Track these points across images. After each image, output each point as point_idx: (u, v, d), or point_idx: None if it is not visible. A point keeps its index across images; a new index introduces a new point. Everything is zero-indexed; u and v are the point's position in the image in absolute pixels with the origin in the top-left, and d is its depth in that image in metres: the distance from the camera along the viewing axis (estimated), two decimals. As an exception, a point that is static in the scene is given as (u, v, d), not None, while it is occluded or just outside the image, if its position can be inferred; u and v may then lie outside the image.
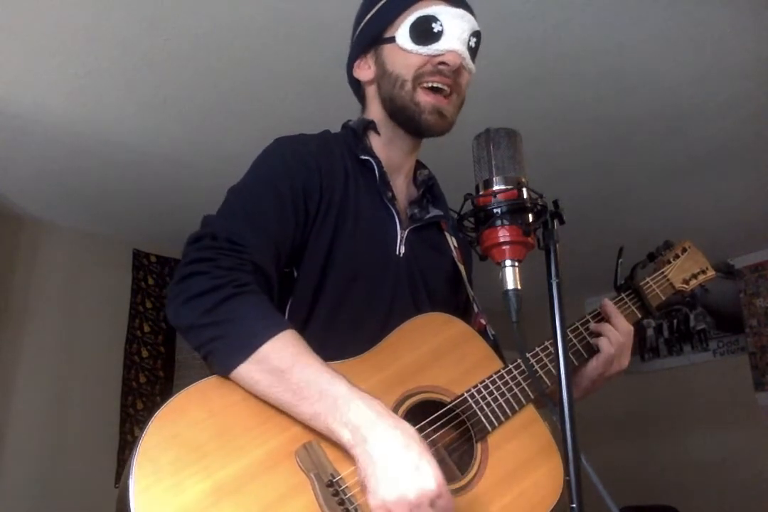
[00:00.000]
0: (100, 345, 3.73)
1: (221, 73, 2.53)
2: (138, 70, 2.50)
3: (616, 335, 1.20)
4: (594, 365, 1.20)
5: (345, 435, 0.91)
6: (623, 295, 1.29)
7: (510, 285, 0.91)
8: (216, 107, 2.74)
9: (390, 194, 1.24)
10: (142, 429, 0.90)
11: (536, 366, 1.16)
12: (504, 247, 0.92)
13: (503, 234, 0.92)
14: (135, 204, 3.56)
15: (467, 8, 1.24)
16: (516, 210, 0.93)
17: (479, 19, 1.24)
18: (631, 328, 1.22)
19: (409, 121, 1.21)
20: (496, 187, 0.94)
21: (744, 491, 3.97)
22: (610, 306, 1.25)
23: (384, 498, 0.86)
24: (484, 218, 0.94)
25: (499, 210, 0.92)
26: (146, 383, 3.86)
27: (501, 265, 0.92)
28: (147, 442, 0.89)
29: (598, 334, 1.22)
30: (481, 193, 0.95)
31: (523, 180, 0.94)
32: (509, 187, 0.93)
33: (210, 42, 2.37)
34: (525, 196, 0.94)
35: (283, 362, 0.94)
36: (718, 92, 2.69)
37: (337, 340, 1.10)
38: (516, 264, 0.92)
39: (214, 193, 1.20)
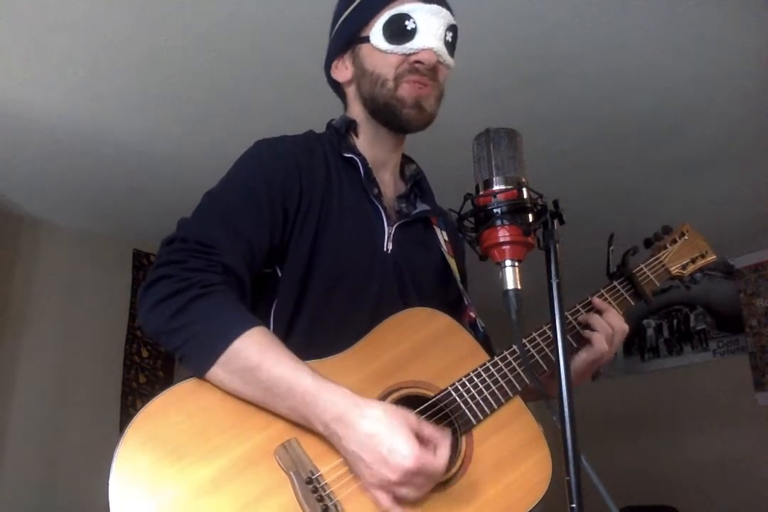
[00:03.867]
0: (100, 345, 3.73)
1: (221, 73, 2.53)
2: (138, 70, 2.50)
3: (610, 333, 1.18)
4: (584, 357, 1.18)
5: (319, 429, 0.95)
6: (615, 283, 1.27)
7: (510, 285, 0.90)
8: (216, 107, 2.74)
9: (376, 191, 1.23)
10: (121, 433, 0.91)
11: (533, 351, 1.15)
12: (504, 247, 0.92)
13: (503, 234, 0.92)
14: (135, 204, 3.56)
15: (442, 3, 1.23)
16: (516, 210, 0.92)
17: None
18: (626, 328, 1.19)
19: (390, 117, 1.21)
20: (496, 187, 0.94)
21: (744, 491, 3.96)
22: (602, 303, 1.23)
23: (372, 483, 0.92)
24: (484, 218, 0.94)
25: (499, 210, 0.92)
26: (146, 383, 3.86)
27: (501, 265, 0.92)
28: (126, 445, 0.91)
29: (588, 325, 1.20)
30: (481, 193, 0.95)
31: (523, 180, 0.94)
32: (509, 187, 0.93)
33: (210, 42, 2.37)
34: (525, 195, 0.93)
35: (250, 361, 0.95)
36: (718, 92, 2.69)
37: (324, 339, 1.10)
38: (516, 264, 0.92)
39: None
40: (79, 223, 3.76)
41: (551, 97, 2.72)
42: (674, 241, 1.37)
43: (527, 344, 1.16)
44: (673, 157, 3.18)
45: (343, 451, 0.94)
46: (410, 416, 0.95)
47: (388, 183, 1.30)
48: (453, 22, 1.23)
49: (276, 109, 2.72)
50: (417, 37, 1.18)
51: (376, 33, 1.19)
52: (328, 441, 0.96)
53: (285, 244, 1.13)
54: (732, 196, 3.53)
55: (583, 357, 1.18)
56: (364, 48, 1.22)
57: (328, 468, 0.95)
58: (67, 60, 2.42)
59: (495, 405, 1.09)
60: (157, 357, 3.95)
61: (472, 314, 1.25)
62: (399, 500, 0.93)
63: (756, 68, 2.54)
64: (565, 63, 2.51)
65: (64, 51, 2.38)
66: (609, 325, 1.18)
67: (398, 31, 1.18)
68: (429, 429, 0.95)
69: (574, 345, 1.20)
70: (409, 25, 1.18)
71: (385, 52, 1.19)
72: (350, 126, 1.27)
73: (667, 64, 2.52)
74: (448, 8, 1.24)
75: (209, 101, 2.70)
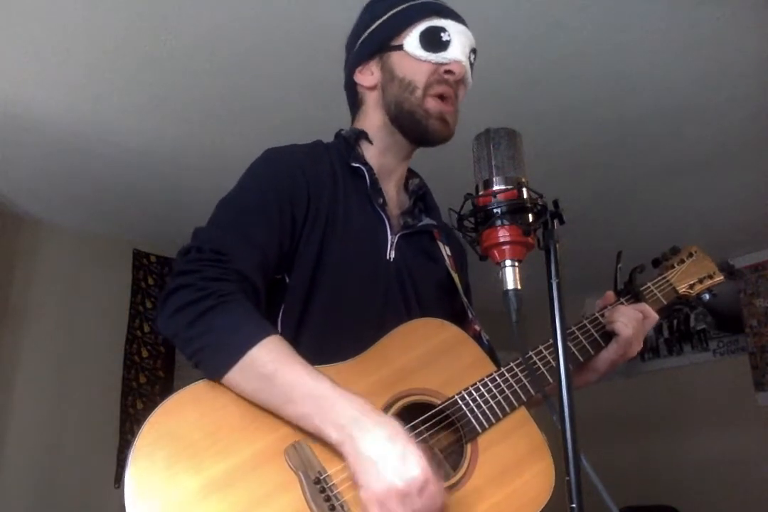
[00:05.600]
0: (100, 345, 3.73)
1: (221, 73, 2.53)
2: (138, 70, 2.50)
3: (629, 317, 1.20)
4: (615, 348, 1.21)
5: (332, 435, 0.94)
6: (623, 300, 1.28)
7: (510, 285, 0.90)
8: (216, 107, 2.74)
9: (381, 200, 1.25)
10: (138, 429, 0.95)
11: (539, 364, 1.16)
12: (504, 247, 0.92)
13: (503, 234, 0.92)
14: (135, 204, 3.56)
15: (467, 26, 1.30)
16: (516, 210, 0.92)
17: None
18: (639, 315, 1.22)
19: (415, 125, 1.24)
20: (496, 187, 0.94)
21: (744, 491, 3.97)
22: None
23: (374, 490, 0.90)
24: (484, 218, 0.94)
25: (499, 210, 0.92)
26: (146, 383, 3.86)
27: (501, 265, 0.92)
28: (142, 440, 0.94)
29: (613, 320, 1.22)
30: (481, 193, 0.95)
31: (523, 180, 0.94)
32: (509, 186, 0.93)
33: (210, 42, 2.37)
34: (525, 195, 0.93)
35: (266, 368, 0.97)
36: (718, 92, 2.69)
37: (330, 345, 1.11)
38: (516, 264, 0.92)
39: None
40: (79, 223, 3.76)
41: (551, 98, 2.72)
42: (682, 261, 1.39)
43: (533, 356, 1.17)
44: (674, 158, 3.18)
45: (353, 455, 0.92)
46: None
47: (392, 194, 1.32)
48: (475, 45, 1.29)
49: (276, 109, 2.72)
50: (450, 48, 1.23)
51: (411, 41, 1.24)
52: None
53: (293, 252, 1.16)
54: (732, 196, 3.53)
55: (614, 347, 1.21)
56: (394, 55, 1.26)
57: (336, 469, 0.96)
58: (67, 60, 2.43)
59: (500, 415, 1.10)
60: (157, 357, 3.95)
61: (477, 327, 1.26)
62: None
63: (756, 69, 2.54)
64: (565, 63, 2.51)
65: (64, 51, 2.38)
66: (639, 311, 1.21)
67: (434, 41, 1.23)
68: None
69: (602, 343, 1.22)
70: (445, 37, 1.24)
71: (418, 58, 1.23)
72: (360, 136, 1.29)
73: (667, 64, 2.52)
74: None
75: (209, 101, 2.70)
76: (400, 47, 1.25)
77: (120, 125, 2.85)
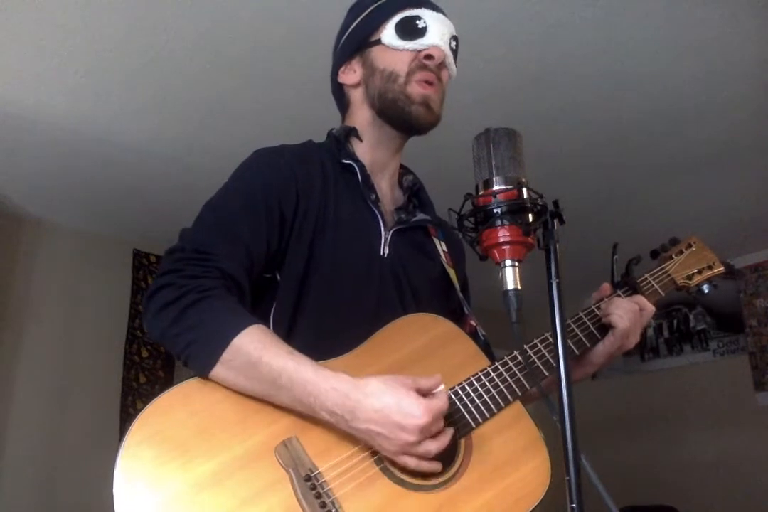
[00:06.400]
0: (100, 345, 3.73)
1: (221, 73, 2.53)
2: (138, 70, 2.50)
3: (625, 309, 1.19)
4: (611, 340, 1.20)
5: (325, 417, 0.98)
6: (619, 292, 1.28)
7: (510, 285, 0.90)
8: (216, 107, 2.74)
9: (374, 196, 1.25)
10: (121, 433, 0.94)
11: (534, 357, 1.16)
12: (504, 247, 0.92)
13: (503, 234, 0.92)
14: (135, 204, 3.56)
15: (445, 15, 1.31)
16: (516, 210, 0.93)
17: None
18: (635, 307, 1.21)
19: (399, 113, 1.24)
20: (496, 187, 0.94)
21: (744, 491, 3.97)
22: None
23: (396, 452, 0.97)
24: (484, 218, 0.94)
25: (499, 210, 0.92)
26: (146, 383, 3.86)
27: (501, 265, 0.92)
28: (131, 440, 0.95)
29: (609, 312, 1.21)
30: (481, 192, 0.95)
31: (523, 180, 0.94)
32: (509, 186, 0.93)
33: (210, 42, 2.37)
34: (525, 195, 0.93)
35: (251, 356, 0.98)
36: (718, 92, 2.69)
37: (323, 344, 1.11)
38: (516, 264, 0.92)
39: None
40: (79, 223, 3.76)
41: (551, 98, 2.72)
42: (680, 252, 1.38)
43: (528, 350, 1.16)
44: (674, 158, 3.18)
45: (355, 433, 0.97)
46: (401, 378, 0.99)
47: (386, 190, 1.32)
48: (455, 32, 1.30)
49: (276, 109, 2.72)
50: (427, 34, 1.24)
51: (388, 34, 1.25)
52: (331, 434, 0.99)
53: (283, 250, 1.16)
54: (732, 196, 3.53)
55: (610, 340, 1.20)
56: (374, 50, 1.27)
57: (327, 466, 0.97)
58: (67, 60, 2.43)
59: (495, 409, 1.10)
60: (157, 357, 3.95)
61: (473, 323, 1.26)
62: (423, 458, 0.98)
63: (756, 69, 2.54)
64: (565, 64, 2.51)
65: (64, 51, 2.38)
66: (635, 303, 1.21)
67: (410, 29, 1.24)
68: (424, 382, 1.00)
69: (598, 336, 1.21)
70: (420, 24, 1.25)
71: (396, 48, 1.24)
72: (350, 133, 1.30)
73: (667, 64, 2.52)
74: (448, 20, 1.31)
75: (209, 101, 2.70)
76: (378, 42, 1.26)
77: (120, 125, 2.85)
